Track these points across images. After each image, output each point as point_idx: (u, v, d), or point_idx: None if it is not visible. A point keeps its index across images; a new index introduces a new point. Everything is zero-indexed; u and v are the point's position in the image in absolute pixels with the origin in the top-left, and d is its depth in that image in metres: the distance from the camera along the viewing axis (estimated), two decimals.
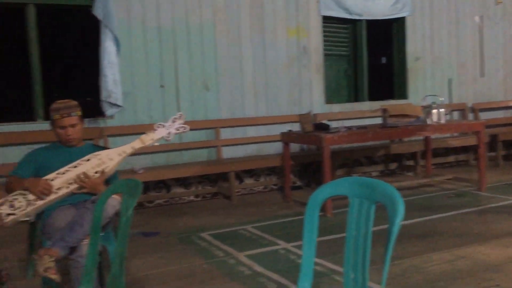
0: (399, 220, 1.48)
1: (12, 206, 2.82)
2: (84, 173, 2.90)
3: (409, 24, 7.11)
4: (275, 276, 3.18)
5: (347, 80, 7.07)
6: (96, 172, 2.96)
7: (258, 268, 3.35)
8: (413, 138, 6.43)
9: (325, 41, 6.58)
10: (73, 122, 2.98)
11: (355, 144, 6.21)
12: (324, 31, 6.56)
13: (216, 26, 5.84)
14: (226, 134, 5.92)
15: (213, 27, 5.82)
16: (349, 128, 5.17)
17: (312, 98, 6.46)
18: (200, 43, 5.76)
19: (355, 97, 7.07)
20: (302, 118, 5.09)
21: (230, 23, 5.92)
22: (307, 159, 6.12)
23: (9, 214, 2.80)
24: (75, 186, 2.89)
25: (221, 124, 5.88)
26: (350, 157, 6.49)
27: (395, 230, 1.46)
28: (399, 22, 7.14)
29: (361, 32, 6.87)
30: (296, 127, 5.89)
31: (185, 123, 3.30)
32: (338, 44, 6.90)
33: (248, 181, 6.05)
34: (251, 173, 6.06)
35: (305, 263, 1.84)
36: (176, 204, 5.60)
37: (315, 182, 6.27)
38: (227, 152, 5.92)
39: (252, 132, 6.10)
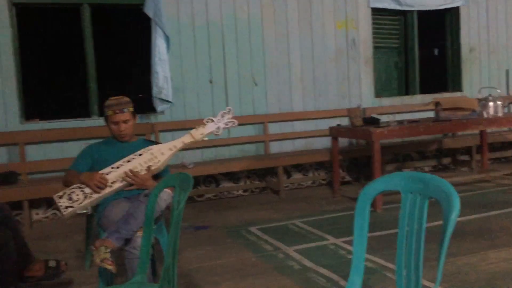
0: (455, 216, 1.43)
1: (70, 199, 2.95)
2: (131, 170, 2.98)
3: (463, 14, 6.85)
4: (324, 271, 3.17)
5: (397, 73, 6.91)
6: (149, 167, 3.04)
7: (307, 263, 3.34)
8: (467, 132, 6.20)
9: (374, 33, 6.45)
10: (125, 118, 3.07)
11: (406, 139, 6.06)
12: (374, 23, 6.43)
13: (264, 21, 5.85)
14: (274, 128, 5.93)
15: (260, 21, 5.83)
16: (400, 122, 5.05)
17: (361, 92, 6.36)
18: (247, 38, 5.79)
19: (406, 90, 6.90)
20: (351, 112, 5.02)
21: (278, 17, 5.91)
22: (356, 154, 6.03)
23: (67, 207, 2.93)
24: (123, 183, 2.97)
25: (269, 119, 5.89)
26: (400, 151, 6.34)
27: (451, 226, 1.42)
28: (453, 12, 6.90)
29: (412, 23, 6.68)
30: (344, 122, 5.84)
31: (234, 117, 3.33)
32: (388, 36, 6.74)
33: (296, 175, 6.04)
34: (299, 167, 6.04)
35: (356, 259, 1.82)
36: (225, 199, 5.67)
37: (365, 177, 6.18)
38: (275, 147, 5.93)
39: (300, 126, 6.08)
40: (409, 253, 1.63)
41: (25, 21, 5.31)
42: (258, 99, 5.88)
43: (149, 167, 3.04)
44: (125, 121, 3.07)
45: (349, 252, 3.48)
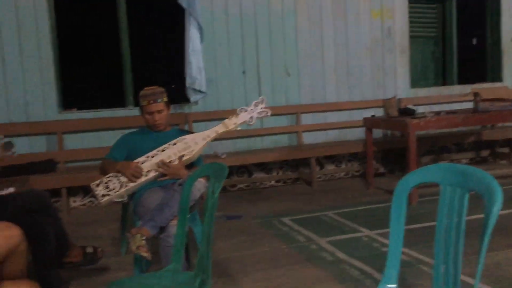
0: (497, 209, 1.38)
1: (107, 187, 3.01)
2: (162, 161, 3.01)
3: (504, 1, 6.60)
4: (358, 263, 3.14)
5: (434, 63, 6.74)
6: (181, 156, 3.06)
7: (341, 255, 3.32)
8: (507, 124, 6.00)
9: (411, 22, 6.30)
10: (159, 108, 3.11)
11: (442, 130, 5.91)
12: (410, 12, 6.28)
13: (297, 11, 5.79)
14: (306, 119, 5.89)
15: (294, 11, 5.78)
16: (437, 113, 4.93)
17: (397, 82, 6.23)
18: (281, 28, 5.75)
19: (443, 81, 6.73)
20: (386, 103, 4.94)
21: (311, 7, 5.84)
22: (391, 145, 5.93)
23: (104, 195, 2.99)
24: (157, 173, 3.01)
25: (302, 109, 5.85)
26: (437, 143, 6.20)
27: (492, 220, 1.38)
28: (494, 0, 6.66)
29: (450, 12, 6.50)
30: (379, 112, 5.74)
31: (266, 107, 3.32)
32: (425, 25, 6.58)
33: (329, 167, 5.99)
34: (332, 159, 5.99)
35: (392, 252, 1.79)
36: (257, 189, 5.68)
37: (399, 168, 6.08)
38: (308, 138, 5.89)
39: (333, 117, 6.01)
40: (448, 247, 1.59)
41: (63, 13, 5.41)
42: (291, 90, 5.84)
43: (181, 156, 3.07)
44: (159, 111, 3.10)
45: (384, 245, 3.43)
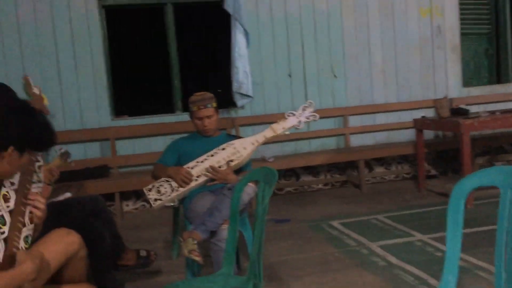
0: None
1: (158, 191, 3.08)
2: (212, 166, 3.05)
3: None
4: (411, 269, 3.06)
5: (488, 61, 6.49)
6: (230, 161, 3.09)
7: (393, 259, 3.24)
8: None
9: (461, 19, 6.09)
10: (209, 113, 3.15)
11: (497, 130, 5.67)
12: (461, 9, 6.08)
13: (343, 11, 5.73)
14: (354, 121, 5.81)
15: (340, 12, 5.72)
16: (492, 112, 4.74)
17: (448, 82, 6.04)
18: (326, 30, 5.70)
19: (498, 79, 6.46)
20: (437, 103, 4.79)
21: (358, 7, 5.76)
22: (443, 147, 5.76)
23: (156, 199, 3.07)
24: (206, 178, 3.05)
25: (349, 111, 5.78)
26: (492, 144, 5.97)
27: None
28: None
29: (503, 7, 6.24)
30: (429, 113, 5.59)
31: (314, 112, 3.30)
32: (477, 21, 6.34)
33: (378, 169, 5.88)
34: (381, 161, 5.87)
35: (449, 257, 1.73)
36: (305, 192, 5.65)
37: (452, 171, 5.89)
38: (356, 140, 5.81)
39: (381, 119, 5.90)
40: (509, 253, 1.52)
41: (114, 22, 5.59)
42: (338, 92, 5.78)
43: (230, 161, 3.10)
44: (208, 117, 3.15)
45: (438, 250, 3.33)
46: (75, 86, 5.07)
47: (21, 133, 1.59)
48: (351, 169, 5.74)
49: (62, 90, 5.03)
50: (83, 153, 5.06)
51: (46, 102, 2.32)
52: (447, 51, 6.03)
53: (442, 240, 3.40)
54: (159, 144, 5.10)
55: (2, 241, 1.57)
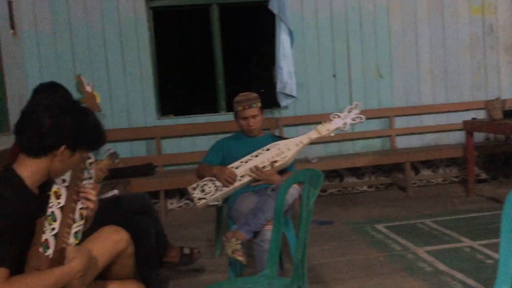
0: None
1: (203, 191, 3.11)
2: (256, 166, 3.05)
3: None
4: (460, 276, 2.95)
5: None
6: (274, 161, 3.09)
7: (440, 266, 3.14)
8: None
9: None
10: (254, 113, 3.16)
11: None
12: None
13: (390, 10, 5.61)
14: (400, 122, 5.68)
15: (386, 11, 5.61)
16: None
17: (501, 82, 5.81)
18: (372, 30, 5.60)
19: None
20: (489, 105, 4.62)
21: (405, 6, 5.63)
22: (494, 150, 5.54)
23: (200, 198, 3.11)
24: (250, 178, 3.06)
25: (395, 112, 5.65)
26: None
27: None
28: None
29: None
30: (480, 115, 5.40)
31: (360, 114, 3.25)
32: None
33: (425, 172, 5.73)
34: (428, 164, 5.71)
35: (503, 266, 1.66)
36: (349, 194, 5.57)
37: (504, 175, 5.66)
38: (402, 142, 5.67)
39: (429, 120, 5.74)
40: None
41: (160, 23, 5.69)
42: (384, 92, 5.67)
43: (274, 162, 3.09)
44: (253, 116, 3.15)
45: (489, 257, 3.21)
46: (123, 86, 5.20)
47: (73, 133, 1.64)
48: (396, 172, 5.62)
49: (110, 90, 5.17)
50: (130, 151, 5.18)
51: (98, 99, 2.38)
52: (500, 51, 5.79)
53: (493, 247, 3.28)
54: (203, 143, 5.16)
55: (53, 237, 1.62)
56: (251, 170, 3.06)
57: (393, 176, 5.66)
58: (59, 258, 1.58)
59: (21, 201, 1.55)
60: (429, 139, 5.73)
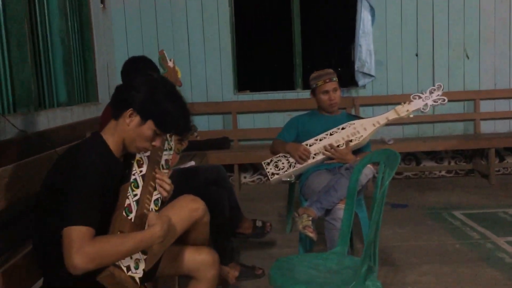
0: None
1: (276, 166, 3.15)
2: (331, 145, 3.03)
3: None
4: None
5: None
6: (349, 141, 3.05)
7: None
8: None
9: None
10: (334, 86, 3.14)
11: None
12: None
13: None
14: (486, 106, 5.37)
15: None
16: None
17: None
18: (461, 5, 5.29)
19: None
20: None
21: None
22: None
23: (273, 174, 3.15)
24: (324, 156, 3.04)
25: (481, 95, 5.35)
26: None
27: None
28: None
29: None
30: None
31: (443, 95, 3.12)
32: None
33: (511, 160, 5.40)
34: None
35: None
36: (425, 178, 5.39)
37: None
38: (487, 127, 5.37)
39: None
40: None
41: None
42: (469, 74, 5.37)
43: (349, 141, 3.06)
44: (334, 90, 3.12)
45: None
46: (202, 61, 5.33)
47: (145, 102, 1.68)
48: (479, 158, 5.34)
49: (190, 64, 5.31)
50: (207, 124, 5.32)
51: (179, 75, 2.45)
52: None
53: None
54: (278, 120, 5.19)
55: (135, 203, 1.71)
56: (325, 148, 3.05)
57: (474, 162, 5.39)
58: (140, 222, 1.68)
59: (107, 166, 1.64)
60: None
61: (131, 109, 1.67)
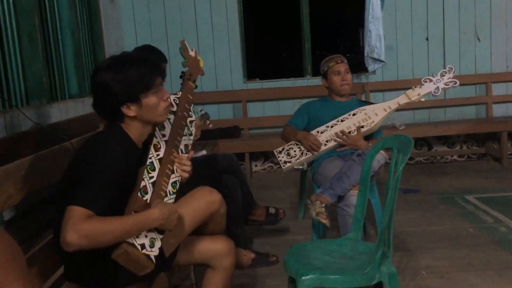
0: None
1: (288, 154, 3.16)
2: (342, 131, 3.02)
3: None
4: None
5: None
6: (360, 127, 3.05)
7: None
8: None
9: None
10: (346, 67, 3.14)
11: None
12: None
13: None
14: (498, 89, 5.31)
15: None
16: None
17: None
18: None
19: None
20: None
21: None
22: None
23: (286, 162, 3.15)
24: (335, 143, 3.04)
25: (493, 78, 5.29)
26: None
27: None
28: None
29: None
30: None
31: (454, 78, 3.09)
32: None
33: None
34: None
35: None
36: (437, 163, 5.37)
37: None
38: (499, 110, 5.33)
39: None
40: None
41: None
42: (481, 57, 5.31)
43: (360, 127, 3.05)
44: (346, 71, 3.12)
45: None
46: (211, 50, 5.32)
47: (116, 88, 1.65)
48: (491, 141, 5.31)
49: (199, 53, 5.26)
50: (217, 113, 5.33)
51: (201, 64, 2.46)
52: None
53: None
54: (287, 107, 5.19)
55: (151, 185, 1.72)
56: (336, 135, 3.04)
57: (486, 146, 5.36)
58: (146, 206, 1.69)
59: (127, 155, 1.66)
60: None
61: (121, 105, 1.68)
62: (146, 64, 1.72)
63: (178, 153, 1.93)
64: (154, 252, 1.63)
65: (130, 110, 1.69)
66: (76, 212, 1.47)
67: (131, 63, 1.69)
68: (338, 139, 3.03)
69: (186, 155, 1.96)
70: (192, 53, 2.40)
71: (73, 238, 1.43)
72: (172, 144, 1.90)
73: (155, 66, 1.75)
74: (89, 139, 1.74)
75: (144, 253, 1.59)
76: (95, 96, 1.72)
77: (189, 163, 1.90)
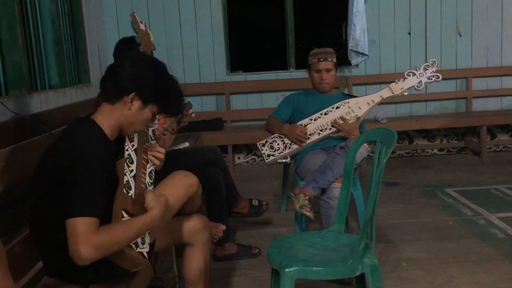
0: None
1: (272, 147, 3.16)
2: (342, 117, 3.03)
3: None
4: None
5: None
6: (357, 116, 3.05)
7: None
8: None
9: None
10: (328, 67, 3.12)
11: None
12: None
13: None
14: (478, 84, 5.39)
15: None
16: None
17: None
18: None
19: None
20: None
21: None
22: None
23: (269, 155, 3.15)
24: (330, 131, 3.04)
25: (473, 73, 5.36)
26: None
27: None
28: None
29: None
30: None
31: (437, 72, 3.12)
32: None
33: (502, 137, 5.45)
34: (506, 128, 5.43)
35: None
36: (418, 156, 5.44)
37: None
38: (479, 105, 5.41)
39: (510, 83, 5.40)
40: None
41: None
42: (462, 52, 5.37)
43: (358, 116, 3.05)
44: (327, 70, 3.11)
45: None
46: (194, 42, 5.28)
47: (148, 85, 1.67)
48: (471, 135, 5.39)
49: (183, 45, 5.26)
50: (200, 106, 5.30)
51: (152, 38, 2.38)
52: None
53: None
54: (271, 100, 5.19)
55: (132, 179, 1.70)
56: (335, 121, 3.03)
57: (466, 140, 5.44)
58: (140, 197, 1.67)
59: (107, 151, 1.62)
60: (508, 102, 5.42)
61: (134, 93, 1.66)
62: (181, 97, 1.80)
63: (148, 140, 1.92)
64: (145, 249, 1.65)
65: (131, 103, 1.67)
66: (82, 225, 1.44)
67: (174, 82, 1.75)
68: (336, 124, 3.02)
69: (155, 141, 1.97)
70: (142, 27, 2.31)
71: (90, 253, 1.42)
72: (142, 132, 1.87)
73: (181, 107, 1.83)
74: (64, 134, 1.67)
75: (138, 251, 1.61)
76: (117, 67, 1.68)
77: (162, 150, 1.90)
